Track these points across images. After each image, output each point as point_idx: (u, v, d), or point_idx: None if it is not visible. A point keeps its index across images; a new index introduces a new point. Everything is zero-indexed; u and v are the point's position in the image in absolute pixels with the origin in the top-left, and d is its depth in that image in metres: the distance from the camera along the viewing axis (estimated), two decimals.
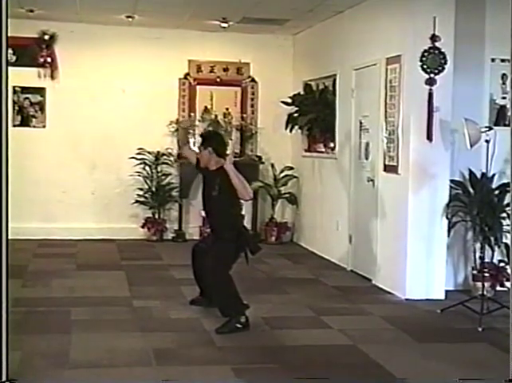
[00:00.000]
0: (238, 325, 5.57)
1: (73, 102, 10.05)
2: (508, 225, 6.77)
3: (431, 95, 6.78)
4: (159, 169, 10.23)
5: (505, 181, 6.94)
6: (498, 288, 6.97)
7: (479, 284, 6.46)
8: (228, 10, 9.02)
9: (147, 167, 10.16)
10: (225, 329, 5.55)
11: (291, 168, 10.48)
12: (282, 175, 10.49)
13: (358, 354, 5.15)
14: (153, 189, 10.21)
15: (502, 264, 7.10)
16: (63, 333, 5.44)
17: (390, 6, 7.45)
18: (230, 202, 5.88)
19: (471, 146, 6.15)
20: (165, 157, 10.21)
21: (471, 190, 7.02)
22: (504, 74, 7.30)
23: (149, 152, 10.11)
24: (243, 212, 6.18)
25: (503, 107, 7.35)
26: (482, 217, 6.77)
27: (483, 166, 6.26)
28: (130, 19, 9.55)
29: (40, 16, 9.41)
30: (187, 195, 10.22)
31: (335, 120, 8.88)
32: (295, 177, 10.46)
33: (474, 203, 6.88)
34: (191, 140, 10.05)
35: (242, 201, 5.93)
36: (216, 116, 10.43)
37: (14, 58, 9.41)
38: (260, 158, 10.50)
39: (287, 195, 10.46)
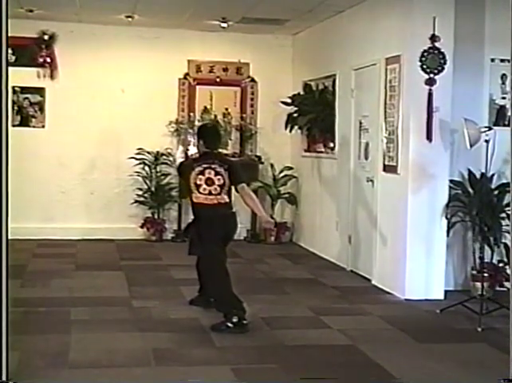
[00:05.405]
0: (229, 325, 5.57)
1: (73, 102, 10.05)
2: (507, 225, 6.78)
3: (430, 95, 6.78)
4: (158, 169, 10.23)
5: (504, 181, 6.94)
6: (498, 288, 6.97)
7: (479, 284, 6.47)
8: (228, 10, 9.01)
9: (146, 167, 10.16)
10: (216, 327, 5.59)
11: (290, 168, 10.49)
12: (282, 175, 10.50)
13: (357, 354, 5.15)
14: (152, 189, 10.21)
15: (501, 264, 7.11)
16: (62, 333, 5.44)
17: (390, 6, 7.45)
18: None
19: (471, 146, 6.14)
20: (164, 157, 10.21)
21: (471, 190, 7.02)
22: (504, 74, 7.30)
23: (148, 152, 10.11)
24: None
25: (503, 107, 7.36)
26: (482, 217, 6.78)
27: (483, 166, 6.25)
28: (129, 19, 9.55)
29: (39, 16, 9.42)
30: (187, 195, 10.20)
31: (334, 120, 8.88)
32: (294, 177, 10.46)
33: (474, 203, 6.88)
34: (191, 141, 10.08)
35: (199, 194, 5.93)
36: (216, 116, 10.43)
37: (14, 58, 9.40)
38: (259, 158, 10.50)
39: (286, 196, 10.47)
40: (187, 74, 10.47)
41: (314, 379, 4.61)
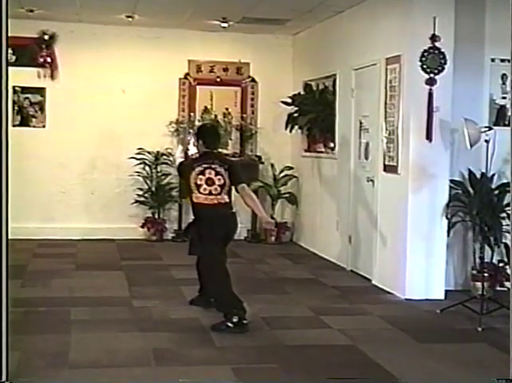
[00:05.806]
0: (229, 324, 5.57)
1: (73, 102, 10.05)
2: (508, 225, 6.78)
3: (430, 95, 6.78)
4: (158, 169, 10.23)
5: (504, 181, 6.94)
6: (498, 288, 6.97)
7: (479, 284, 6.46)
8: (228, 10, 9.02)
9: (146, 167, 10.16)
10: (216, 327, 5.59)
11: (291, 168, 10.49)
12: (282, 175, 10.50)
13: (358, 354, 5.15)
14: (153, 189, 10.21)
15: (501, 264, 7.11)
16: (62, 333, 5.44)
17: (390, 6, 7.45)
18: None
19: (471, 146, 6.15)
20: (165, 157, 10.21)
21: (471, 190, 7.02)
22: (504, 74, 7.30)
23: (149, 152, 10.11)
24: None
25: (503, 107, 7.35)
26: (482, 217, 6.78)
27: (483, 166, 6.26)
28: (130, 19, 9.55)
29: (40, 16, 9.42)
30: (187, 196, 10.19)
31: (335, 120, 8.88)
32: (295, 177, 10.47)
33: (474, 203, 6.88)
34: (191, 141, 10.08)
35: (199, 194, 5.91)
36: (216, 116, 10.43)
37: (14, 58, 9.40)
38: (260, 158, 10.51)
39: (287, 195, 10.47)
40: (188, 74, 10.47)
41: (314, 379, 4.61)
